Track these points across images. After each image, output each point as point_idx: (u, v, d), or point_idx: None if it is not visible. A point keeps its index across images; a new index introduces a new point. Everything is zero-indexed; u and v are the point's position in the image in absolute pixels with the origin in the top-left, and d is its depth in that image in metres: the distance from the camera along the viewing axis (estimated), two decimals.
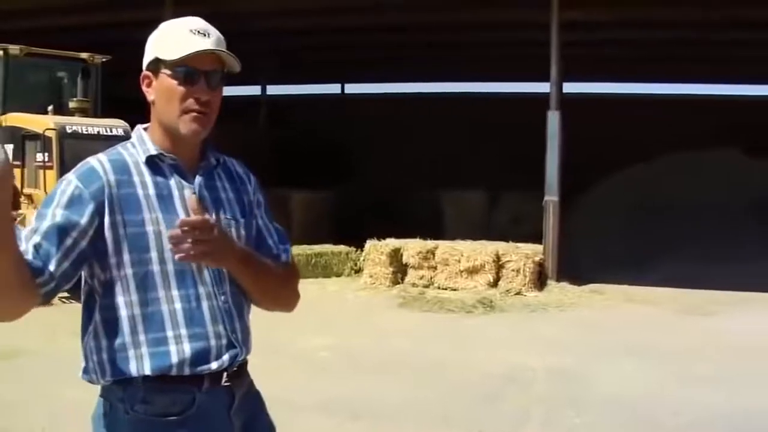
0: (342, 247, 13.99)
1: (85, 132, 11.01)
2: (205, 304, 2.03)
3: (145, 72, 2.09)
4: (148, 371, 1.98)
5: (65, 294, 10.83)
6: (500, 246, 12.91)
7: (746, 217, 15.93)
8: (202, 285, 2.03)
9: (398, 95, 25.29)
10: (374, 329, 9.50)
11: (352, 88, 26.22)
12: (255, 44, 18.80)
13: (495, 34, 17.73)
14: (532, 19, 14.47)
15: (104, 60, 12.67)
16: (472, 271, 12.49)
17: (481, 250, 12.66)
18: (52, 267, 1.89)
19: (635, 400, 6.53)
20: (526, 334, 9.44)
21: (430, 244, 12.97)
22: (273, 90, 24.69)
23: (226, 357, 2.05)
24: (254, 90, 24.99)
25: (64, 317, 9.71)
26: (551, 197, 13.25)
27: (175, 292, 2.00)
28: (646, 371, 7.44)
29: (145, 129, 2.13)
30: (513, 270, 12.42)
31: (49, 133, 10.87)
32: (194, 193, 2.04)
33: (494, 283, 12.36)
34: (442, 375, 7.26)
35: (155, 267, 1.99)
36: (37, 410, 5.87)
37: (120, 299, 1.99)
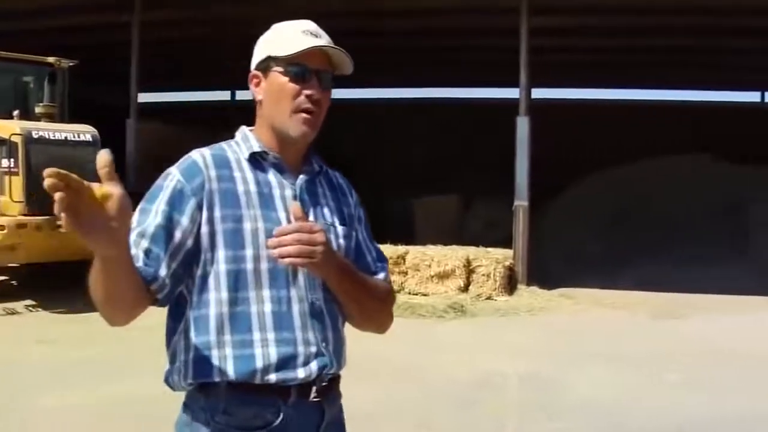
0: None
1: (51, 137, 10.86)
2: (296, 308, 1.95)
3: (254, 71, 2.05)
4: (231, 375, 1.90)
5: (31, 302, 10.71)
6: (471, 251, 12.93)
7: (717, 221, 16.11)
8: (295, 288, 1.95)
9: (369, 101, 25.27)
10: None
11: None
12: (226, 50, 18.75)
13: (465, 40, 17.80)
14: (501, 25, 14.54)
15: (71, 64, 12.51)
16: (443, 276, 12.49)
17: (452, 255, 12.67)
18: (163, 271, 1.86)
19: (608, 404, 6.54)
20: (497, 339, 9.45)
21: (400, 249, 12.96)
22: (243, 95, 24.64)
23: (314, 366, 1.95)
24: (224, 95, 24.91)
25: (29, 326, 9.63)
26: (521, 202, 13.31)
27: (266, 293, 1.92)
28: (618, 376, 7.47)
29: (251, 130, 2.08)
30: (483, 275, 12.45)
31: (15, 138, 10.69)
32: (296, 195, 2.00)
33: (465, 288, 12.37)
34: (415, 381, 7.24)
35: (249, 265, 1.92)
36: (9, 419, 5.77)
37: (211, 296, 1.92)
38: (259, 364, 1.90)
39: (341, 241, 2.06)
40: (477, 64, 20.55)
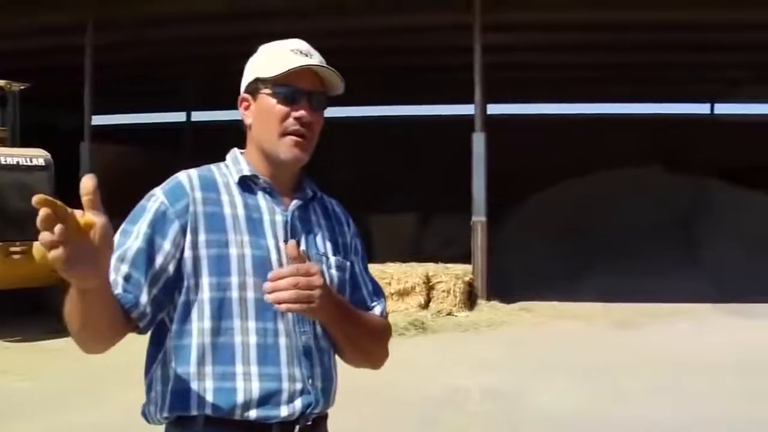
0: None
1: (3, 162, 10.69)
2: (282, 342, 1.83)
3: (243, 95, 1.96)
4: (209, 410, 1.79)
5: None
6: (430, 267, 12.97)
7: (670, 232, 16.37)
8: (283, 321, 1.84)
9: (327, 119, 25.26)
10: None
11: None
12: (177, 70, 18.65)
13: (419, 58, 17.92)
14: (455, 42, 14.67)
15: (22, 87, 12.34)
16: (403, 294, 12.50)
17: (411, 272, 12.69)
18: (143, 298, 1.76)
19: (570, 416, 6.58)
20: (459, 355, 9.47)
21: None
22: (199, 117, 24.50)
23: (298, 404, 1.84)
24: (179, 116, 24.71)
25: None
26: (479, 217, 13.39)
27: (251, 324, 1.81)
28: (579, 387, 7.52)
29: (242, 153, 1.98)
30: (443, 291, 12.49)
31: None
32: (286, 221, 1.90)
33: (425, 305, 12.39)
34: (377, 399, 7.21)
35: (234, 293, 1.81)
36: None
37: (193, 325, 1.81)
38: (240, 398, 1.80)
39: (333, 271, 1.95)
40: (431, 82, 20.69)
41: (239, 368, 1.80)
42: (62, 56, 15.98)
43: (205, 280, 1.81)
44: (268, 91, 1.91)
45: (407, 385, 7.74)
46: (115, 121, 25.09)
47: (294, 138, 1.90)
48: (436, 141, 21.61)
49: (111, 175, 10.91)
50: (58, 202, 1.40)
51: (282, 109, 1.89)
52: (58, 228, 1.39)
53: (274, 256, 1.85)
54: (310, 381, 1.86)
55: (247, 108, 1.96)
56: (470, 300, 12.74)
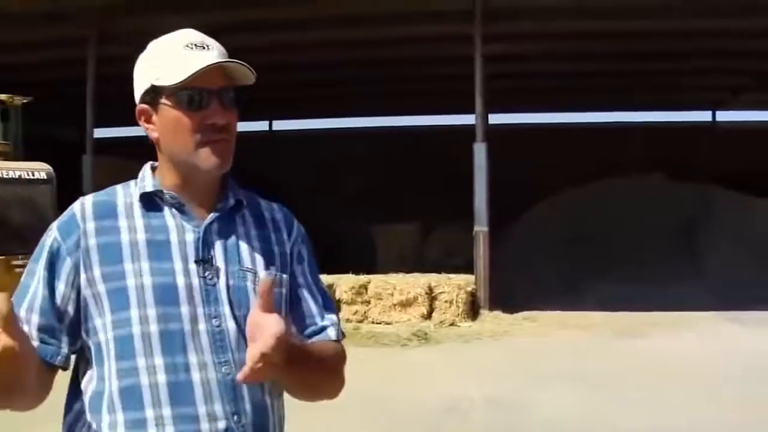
0: None
1: (5, 176, 10.73)
2: (196, 377, 1.61)
3: (140, 106, 1.72)
4: None
5: None
6: (432, 278, 12.97)
7: (673, 239, 16.35)
8: (196, 353, 1.62)
9: (326, 131, 25.35)
10: None
11: (280, 125, 26.25)
12: None
13: (421, 68, 17.98)
14: (455, 53, 14.71)
15: (25, 101, 12.39)
16: (406, 304, 12.50)
17: (414, 283, 12.69)
18: (64, 344, 1.64)
19: (572, 426, 6.57)
20: (462, 365, 9.46)
21: (362, 278, 12.96)
22: None
23: None
24: None
25: None
26: (481, 227, 13.39)
27: (158, 360, 1.60)
28: (581, 397, 7.51)
29: (153, 168, 1.77)
30: (446, 301, 12.48)
31: None
32: (198, 238, 1.69)
33: (428, 315, 12.39)
34: (381, 410, 7.21)
35: (135, 329, 1.61)
36: None
37: (103, 369, 1.63)
38: None
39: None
40: (432, 92, 20.75)
41: (149, 413, 1.60)
42: (64, 70, 16.04)
43: (108, 318, 1.62)
44: (169, 101, 1.66)
45: (410, 395, 7.75)
46: (116, 134, 25.14)
47: (212, 146, 1.66)
48: (438, 151, 21.64)
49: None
50: None
51: (191, 118, 1.65)
52: None
53: (181, 281, 1.64)
54: (235, 418, 1.63)
55: (148, 120, 1.72)
56: (473, 310, 12.73)
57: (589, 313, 12.38)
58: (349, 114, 24.85)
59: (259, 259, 1.73)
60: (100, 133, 15.39)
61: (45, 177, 10.98)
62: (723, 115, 24.71)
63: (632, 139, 22.64)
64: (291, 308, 1.75)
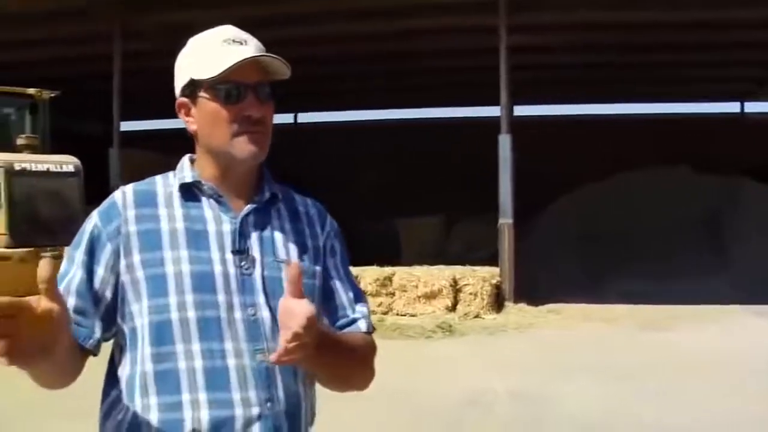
0: None
1: (34, 169, 10.84)
2: (232, 363, 1.65)
3: (180, 99, 1.78)
4: None
5: None
6: (457, 270, 12.97)
7: (698, 232, 16.23)
8: (232, 340, 1.66)
9: (351, 123, 25.39)
10: None
11: (305, 117, 26.30)
12: None
13: (445, 60, 17.94)
14: (480, 44, 14.68)
15: (53, 95, 12.51)
16: (430, 296, 12.51)
17: (439, 275, 12.70)
18: (97, 328, 1.68)
19: (596, 419, 6.56)
20: (486, 357, 9.46)
21: (387, 270, 12.98)
22: None
23: (255, 431, 1.66)
24: None
25: None
26: (505, 220, 13.36)
27: (195, 346, 1.65)
28: (606, 389, 7.49)
29: (191, 159, 1.83)
30: (470, 293, 12.48)
31: None
32: (234, 229, 1.73)
33: (452, 308, 12.40)
34: (404, 402, 7.23)
35: (174, 315, 1.65)
36: None
37: (137, 353, 1.67)
38: (188, 430, 1.63)
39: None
40: (456, 84, 20.71)
41: (186, 396, 1.64)
42: (91, 65, 16.18)
43: (145, 304, 1.67)
44: (207, 94, 1.73)
45: (434, 387, 7.76)
46: (143, 127, 25.35)
47: (248, 136, 1.72)
48: (462, 144, 21.61)
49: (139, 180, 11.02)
50: (4, 302, 1.31)
51: (228, 110, 1.72)
52: (2, 343, 1.31)
53: (218, 269, 1.69)
54: (269, 405, 1.67)
55: (187, 114, 1.78)
56: (497, 302, 12.73)
57: (613, 306, 12.33)
58: (374, 106, 24.87)
59: (293, 251, 1.78)
60: (125, 126, 15.51)
61: (73, 170, 11.08)
62: (751, 107, 24.42)
63: (658, 131, 22.47)
64: (324, 300, 1.80)
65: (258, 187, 1.81)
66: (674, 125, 22.97)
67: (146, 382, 1.66)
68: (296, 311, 1.51)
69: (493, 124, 14.10)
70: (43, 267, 1.37)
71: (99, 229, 1.71)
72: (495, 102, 14.01)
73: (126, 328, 1.69)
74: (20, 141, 11.78)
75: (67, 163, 11.20)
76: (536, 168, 18.14)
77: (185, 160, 1.82)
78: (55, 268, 1.39)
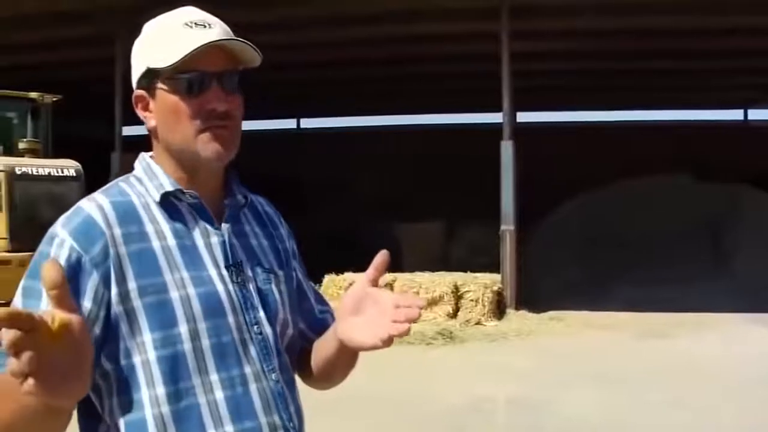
0: None
1: (35, 173, 10.83)
2: (253, 388, 1.52)
3: (136, 92, 1.58)
4: None
5: None
6: (458, 276, 12.94)
7: (699, 240, 16.22)
8: (249, 364, 1.52)
9: (353, 129, 25.39)
10: None
11: (306, 123, 26.33)
12: None
13: (447, 66, 17.94)
14: (482, 50, 14.67)
15: (55, 99, 12.51)
16: (431, 303, 12.47)
17: (440, 281, 12.67)
18: None
19: (597, 426, 6.54)
20: (487, 364, 9.44)
21: (388, 276, 12.94)
22: None
23: None
24: None
25: None
26: (507, 226, 13.34)
27: (214, 377, 1.48)
28: (607, 398, 7.47)
29: (152, 157, 1.61)
30: (472, 300, 12.45)
31: None
32: (224, 241, 1.57)
33: (454, 314, 12.36)
34: (405, 409, 7.21)
35: (186, 345, 1.46)
36: None
37: (143, 394, 1.44)
38: None
39: (283, 287, 1.65)
40: (459, 90, 20.72)
41: None
42: (93, 68, 16.19)
43: (147, 337, 1.44)
44: (166, 85, 1.52)
45: (434, 394, 7.74)
46: (145, 131, 25.35)
47: (212, 132, 1.52)
48: (463, 150, 21.60)
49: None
50: (22, 312, 1.06)
51: (189, 103, 1.51)
52: (26, 356, 1.05)
53: (221, 288, 1.52)
54: (291, 424, 1.57)
55: (145, 108, 1.58)
56: (499, 309, 12.69)
57: (614, 314, 12.31)
58: (376, 112, 24.87)
59: (273, 259, 1.66)
60: (128, 131, 15.51)
61: (74, 174, 11.07)
62: (755, 114, 24.37)
63: (661, 138, 22.44)
64: (298, 302, 1.72)
65: (226, 189, 1.63)
66: (677, 132, 22.94)
67: (164, 425, 1.45)
68: (382, 296, 1.49)
69: (493, 130, 14.09)
70: (49, 270, 1.11)
71: (78, 252, 1.44)
72: (497, 108, 14.01)
73: (115, 369, 1.45)
74: (22, 145, 11.77)
75: (69, 167, 11.19)
76: (539, 175, 18.14)
77: (149, 161, 1.60)
78: (61, 269, 1.13)
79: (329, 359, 1.66)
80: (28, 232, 10.60)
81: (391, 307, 1.45)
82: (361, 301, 1.50)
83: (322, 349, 1.69)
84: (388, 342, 1.42)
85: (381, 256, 1.52)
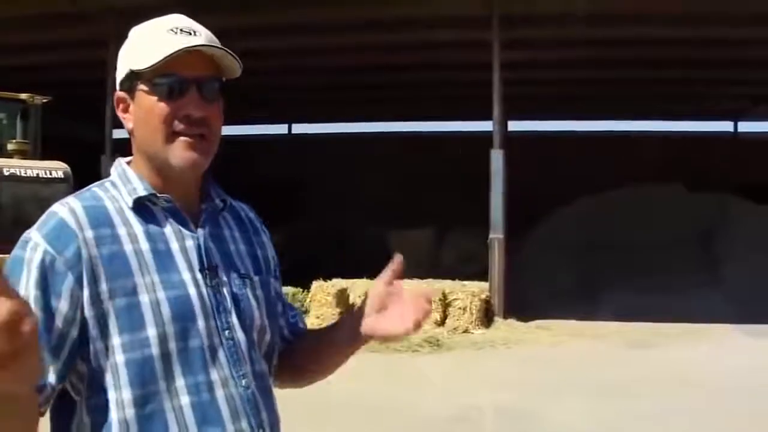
0: (288, 288, 13.84)
1: (23, 174, 10.79)
2: (220, 394, 1.50)
3: (118, 93, 1.58)
4: None
5: None
6: (447, 284, 12.93)
7: (690, 249, 16.27)
8: (217, 369, 1.50)
9: (346, 135, 25.38)
10: None
11: (300, 128, 26.28)
12: None
13: (440, 74, 17.98)
14: (474, 59, 14.70)
15: (45, 101, 12.46)
16: None
17: (428, 289, 12.65)
18: (52, 379, 1.40)
19: None
20: (474, 373, 9.43)
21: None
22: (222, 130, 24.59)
23: None
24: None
25: None
26: (496, 235, 13.36)
27: (180, 382, 1.47)
28: (593, 407, 7.46)
29: (128, 163, 1.60)
30: (459, 308, 12.44)
31: None
32: (199, 245, 1.55)
33: (441, 322, 12.35)
34: (391, 417, 7.19)
35: (154, 349, 1.45)
36: None
37: (110, 397, 1.44)
38: None
39: (259, 292, 1.63)
40: (449, 98, 20.75)
41: None
42: (84, 70, 16.15)
43: (117, 341, 1.44)
44: (146, 86, 1.52)
45: (420, 402, 7.72)
46: None
47: (185, 139, 1.51)
48: (455, 157, 21.62)
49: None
50: None
51: (165, 107, 1.51)
52: None
53: (193, 292, 1.51)
54: (261, 431, 1.54)
55: (125, 110, 1.58)
56: (487, 318, 12.69)
57: (603, 323, 12.32)
58: (367, 119, 24.88)
59: (250, 264, 1.65)
60: (119, 133, 15.46)
61: (62, 176, 11.02)
62: (745, 126, 24.42)
63: (651, 148, 22.51)
64: (273, 309, 1.70)
65: (203, 193, 1.62)
66: (668, 142, 23.02)
67: (128, 430, 1.44)
68: (403, 293, 1.63)
69: (485, 138, 14.11)
70: None
71: (52, 255, 1.43)
72: (488, 116, 14.04)
73: (86, 370, 1.45)
74: (11, 146, 11.71)
75: (57, 169, 11.14)
76: (530, 183, 18.17)
77: (125, 167, 1.59)
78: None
79: (320, 358, 1.74)
80: (15, 233, 10.54)
81: (411, 299, 1.61)
82: (385, 300, 1.63)
83: (309, 348, 1.76)
84: (417, 326, 1.57)
85: (397, 261, 1.65)
